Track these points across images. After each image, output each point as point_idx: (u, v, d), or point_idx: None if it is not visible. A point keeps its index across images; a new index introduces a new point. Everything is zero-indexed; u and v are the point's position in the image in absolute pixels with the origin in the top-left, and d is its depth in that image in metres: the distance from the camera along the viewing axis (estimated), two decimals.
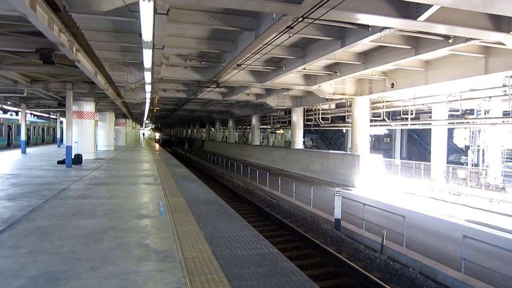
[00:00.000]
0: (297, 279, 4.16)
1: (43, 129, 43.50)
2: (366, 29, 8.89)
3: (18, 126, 31.22)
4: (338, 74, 14.99)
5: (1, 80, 15.13)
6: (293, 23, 7.37)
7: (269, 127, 40.70)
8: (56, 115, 37.33)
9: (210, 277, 4.21)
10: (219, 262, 4.68)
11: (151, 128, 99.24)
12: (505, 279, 6.68)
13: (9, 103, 25.16)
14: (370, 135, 26.60)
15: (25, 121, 26.02)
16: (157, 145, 52.56)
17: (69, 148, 16.44)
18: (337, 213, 10.58)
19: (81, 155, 17.68)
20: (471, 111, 20.96)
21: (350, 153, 20.93)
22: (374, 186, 17.43)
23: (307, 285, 4.01)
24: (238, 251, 5.10)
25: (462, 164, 24.07)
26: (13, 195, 9.10)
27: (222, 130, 54.30)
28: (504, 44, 8.53)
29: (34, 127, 39.78)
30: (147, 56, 9.20)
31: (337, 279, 7.79)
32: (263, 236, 6.30)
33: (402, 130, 35.01)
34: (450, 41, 9.38)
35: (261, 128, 39.65)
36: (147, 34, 7.20)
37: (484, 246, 7.81)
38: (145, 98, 18.56)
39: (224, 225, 6.58)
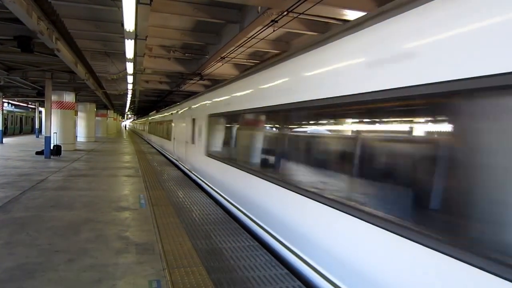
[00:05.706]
0: (278, 272, 4.19)
1: (21, 118, 42.41)
2: None
3: None
4: None
5: None
6: (277, 16, 7.38)
7: None
8: (35, 105, 36.43)
9: (190, 270, 4.21)
10: (198, 254, 4.68)
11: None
12: None
13: None
14: None
15: (2, 110, 25.31)
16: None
17: (47, 139, 16.09)
18: None
19: (60, 146, 17.32)
20: None
21: None
22: None
23: (288, 278, 4.05)
24: (219, 244, 5.11)
25: None
26: None
27: None
28: None
29: (12, 116, 38.72)
30: (129, 46, 9.06)
31: None
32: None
33: None
34: None
35: None
36: (129, 24, 7.09)
37: None
38: (127, 89, 18.30)
39: (205, 218, 6.57)
